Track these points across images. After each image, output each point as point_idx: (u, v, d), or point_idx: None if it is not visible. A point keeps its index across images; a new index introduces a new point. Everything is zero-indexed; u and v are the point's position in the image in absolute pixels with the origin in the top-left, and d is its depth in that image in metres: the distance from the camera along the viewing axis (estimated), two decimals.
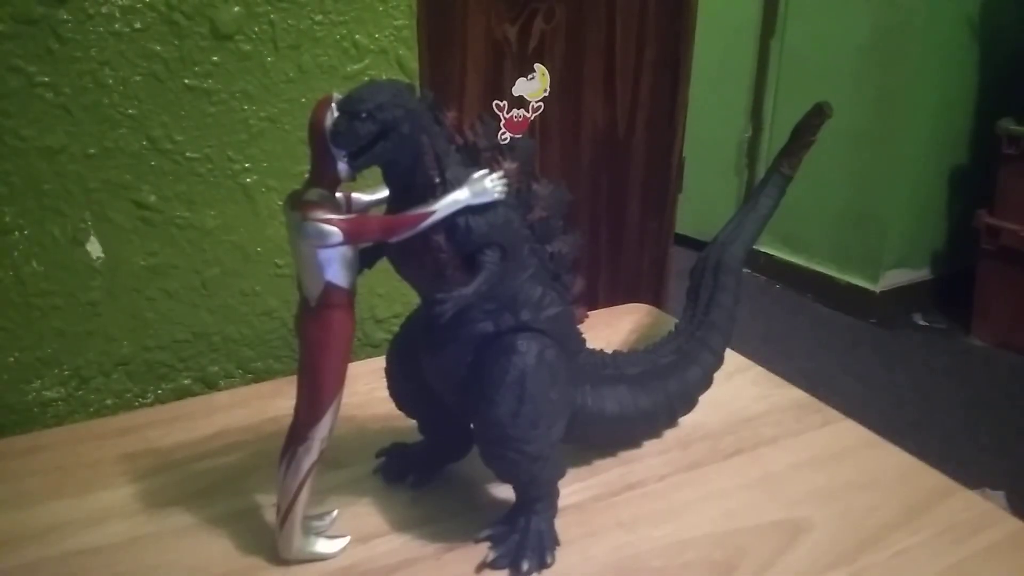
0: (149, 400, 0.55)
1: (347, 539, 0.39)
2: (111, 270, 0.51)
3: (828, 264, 1.90)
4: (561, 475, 0.40)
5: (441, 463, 0.44)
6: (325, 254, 0.34)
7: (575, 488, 0.43)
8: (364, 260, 0.36)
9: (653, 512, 0.42)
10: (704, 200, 1.79)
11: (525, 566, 0.38)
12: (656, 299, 0.76)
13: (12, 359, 0.50)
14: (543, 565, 0.38)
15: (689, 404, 0.47)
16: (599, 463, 0.46)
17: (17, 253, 0.48)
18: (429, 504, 0.42)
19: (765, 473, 0.45)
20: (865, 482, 0.45)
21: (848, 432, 0.49)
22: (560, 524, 0.40)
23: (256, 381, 0.57)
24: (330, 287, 0.34)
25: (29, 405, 0.51)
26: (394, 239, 0.35)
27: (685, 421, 0.48)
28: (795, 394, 0.53)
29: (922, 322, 1.85)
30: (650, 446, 0.47)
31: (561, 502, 0.41)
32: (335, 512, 0.41)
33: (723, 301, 0.48)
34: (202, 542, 0.39)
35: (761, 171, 1.96)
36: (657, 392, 0.45)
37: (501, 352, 0.37)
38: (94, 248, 0.50)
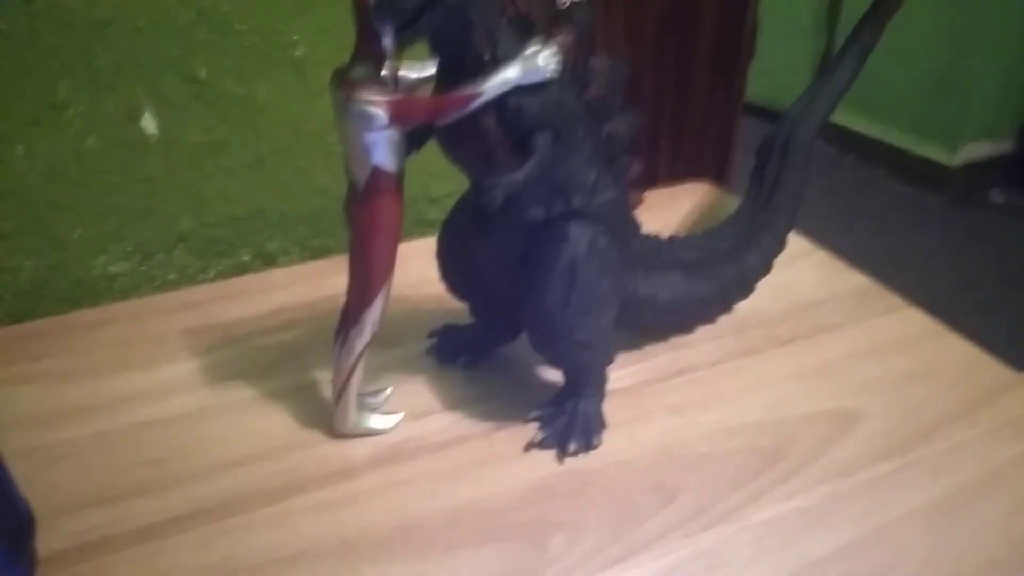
0: (210, 275, 0.56)
1: (400, 415, 0.41)
2: (166, 146, 0.51)
3: (904, 135, 1.81)
4: (610, 361, 0.40)
5: (492, 345, 0.45)
6: (371, 137, 0.33)
7: (625, 372, 0.43)
8: (412, 142, 0.35)
9: (703, 398, 0.42)
10: (778, 66, 1.69)
11: (572, 447, 0.39)
12: (721, 175, 0.73)
13: (76, 235, 0.51)
14: (590, 447, 0.39)
15: (746, 291, 0.46)
16: (650, 348, 0.45)
17: (72, 129, 0.48)
18: (480, 384, 0.43)
19: (820, 361, 0.45)
20: (924, 373, 0.44)
21: (911, 320, 0.48)
22: (608, 407, 0.40)
23: (313, 258, 0.58)
24: (377, 171, 0.34)
25: (96, 279, 0.52)
26: (441, 121, 0.33)
27: (741, 307, 0.47)
28: (858, 280, 0.52)
29: (1000, 199, 1.77)
30: (703, 332, 0.47)
31: (610, 386, 0.41)
32: (389, 390, 0.42)
33: (790, 183, 0.46)
34: (262, 415, 0.41)
35: (842, 34, 1.84)
36: (713, 279, 0.44)
37: (551, 240, 0.36)
38: (148, 124, 0.50)
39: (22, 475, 0.31)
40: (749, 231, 0.45)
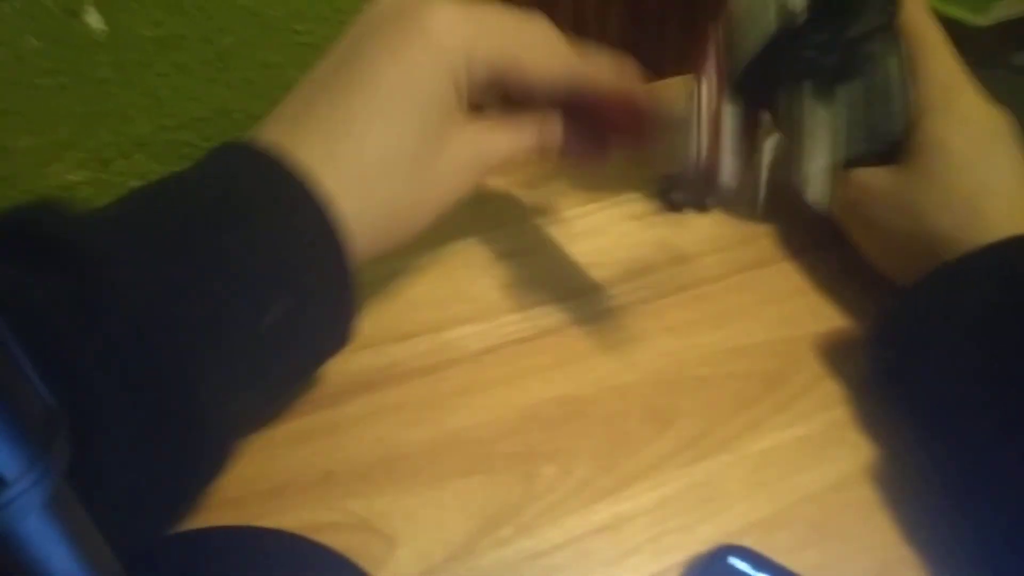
0: None
1: None
2: (115, 43, 0.46)
3: None
4: None
5: None
6: None
7: (621, 289, 0.41)
8: None
9: (704, 317, 0.39)
10: None
11: None
12: None
13: (24, 143, 0.47)
14: None
15: None
16: (648, 261, 0.42)
17: (9, 27, 0.43)
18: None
19: (833, 272, 0.41)
20: None
21: None
22: (602, 328, 0.38)
23: None
24: None
25: (53, 190, 0.49)
26: None
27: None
28: None
29: (1022, 62, 1.69)
30: (707, 243, 0.43)
31: (605, 305, 0.39)
32: None
33: None
34: None
35: None
36: None
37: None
38: (93, 19, 0.45)
39: None
40: None
